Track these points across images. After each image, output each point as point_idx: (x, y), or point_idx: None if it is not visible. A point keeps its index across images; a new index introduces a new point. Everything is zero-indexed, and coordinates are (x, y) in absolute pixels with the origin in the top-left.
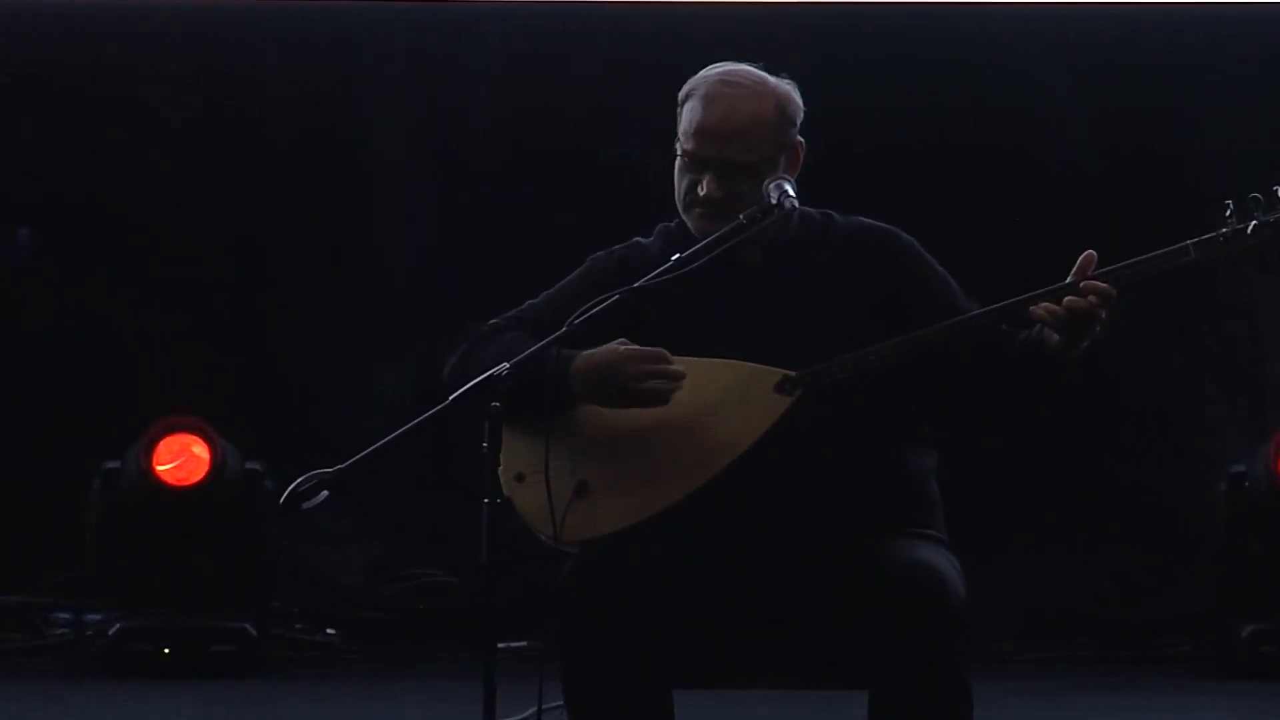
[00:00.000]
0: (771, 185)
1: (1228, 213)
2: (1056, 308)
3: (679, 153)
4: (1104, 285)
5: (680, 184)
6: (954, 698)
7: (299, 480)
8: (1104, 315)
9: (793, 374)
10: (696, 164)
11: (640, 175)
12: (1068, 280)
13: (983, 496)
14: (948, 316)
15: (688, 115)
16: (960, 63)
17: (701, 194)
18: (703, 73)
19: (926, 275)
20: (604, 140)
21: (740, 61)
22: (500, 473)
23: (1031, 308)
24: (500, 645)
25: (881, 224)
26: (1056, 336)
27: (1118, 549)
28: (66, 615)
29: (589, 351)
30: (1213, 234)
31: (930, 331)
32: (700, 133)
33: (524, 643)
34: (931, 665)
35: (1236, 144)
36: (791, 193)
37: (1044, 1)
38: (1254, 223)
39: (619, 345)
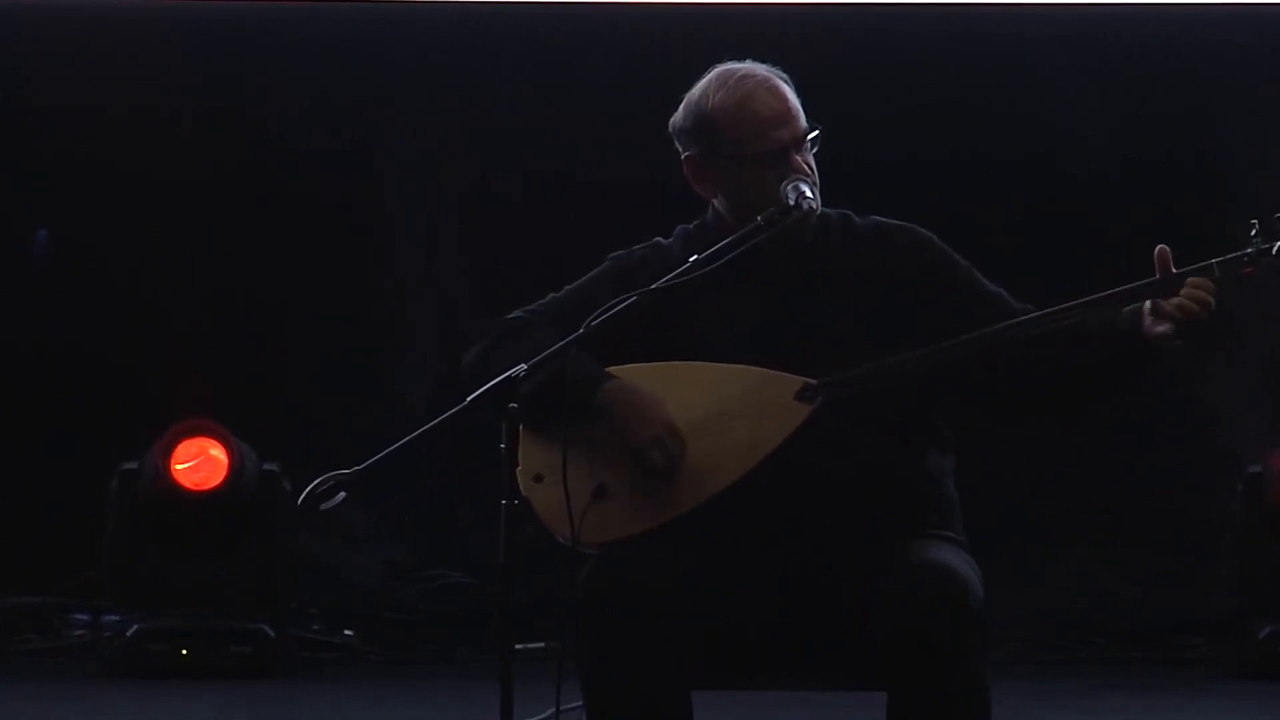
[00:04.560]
0: (789, 186)
1: (1253, 232)
2: (1187, 303)
3: (745, 161)
4: (1207, 281)
5: (751, 189)
6: (972, 699)
7: (316, 482)
8: (1213, 304)
9: (814, 382)
10: (776, 156)
11: (660, 184)
12: (1158, 277)
13: (1000, 498)
14: (974, 310)
15: (738, 123)
16: (975, 70)
17: (807, 171)
18: (708, 90)
19: (950, 270)
20: (623, 147)
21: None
22: (519, 474)
23: (1164, 303)
24: (518, 646)
25: (899, 221)
26: (1165, 327)
27: (1136, 550)
28: (84, 616)
29: (632, 385)
30: (1238, 253)
31: (952, 344)
32: (765, 124)
33: (541, 644)
34: (949, 667)
35: (1271, 155)
36: (809, 194)
37: (1062, 3)
38: (1279, 243)
39: (664, 408)
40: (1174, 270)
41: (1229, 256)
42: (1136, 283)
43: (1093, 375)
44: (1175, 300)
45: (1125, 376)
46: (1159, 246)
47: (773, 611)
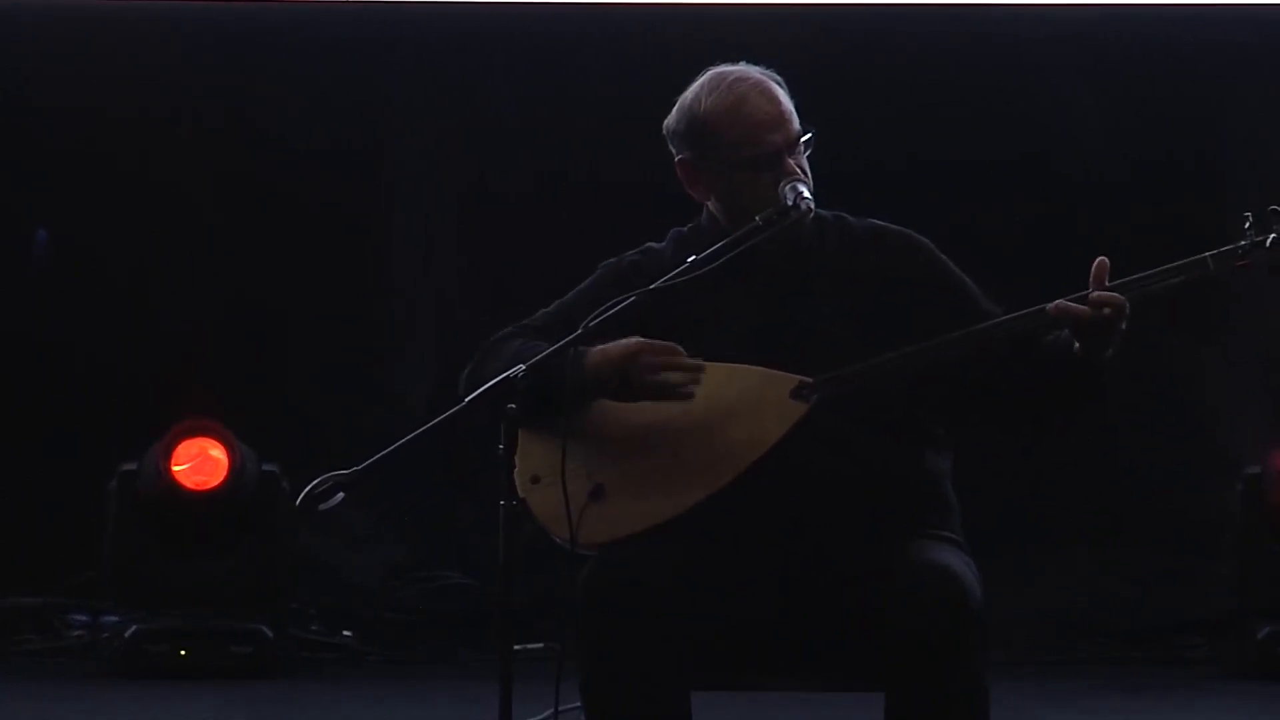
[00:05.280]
0: (787, 187)
1: (1247, 225)
2: (1077, 308)
3: (738, 164)
4: (1116, 296)
5: (744, 192)
6: (971, 700)
7: (315, 482)
8: (1121, 325)
9: (809, 380)
10: (769, 159)
11: (658, 185)
12: (1088, 291)
13: (1000, 498)
14: (967, 317)
15: (732, 126)
16: (974, 71)
17: (801, 174)
18: (700, 94)
19: (945, 276)
20: (621, 147)
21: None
22: (516, 475)
23: (1050, 309)
24: (516, 647)
25: (895, 226)
26: (1077, 343)
27: (1136, 550)
28: (82, 617)
29: (602, 346)
30: (1231, 246)
31: (946, 340)
32: (758, 127)
33: (540, 644)
34: (947, 667)
35: (1271, 155)
36: (807, 194)
37: (1061, 4)
38: (1273, 235)
39: (633, 339)
40: (1106, 282)
41: (1222, 249)
42: (1083, 292)
43: (1055, 385)
44: (1080, 311)
45: (1080, 388)
46: (1098, 259)
47: (772, 611)
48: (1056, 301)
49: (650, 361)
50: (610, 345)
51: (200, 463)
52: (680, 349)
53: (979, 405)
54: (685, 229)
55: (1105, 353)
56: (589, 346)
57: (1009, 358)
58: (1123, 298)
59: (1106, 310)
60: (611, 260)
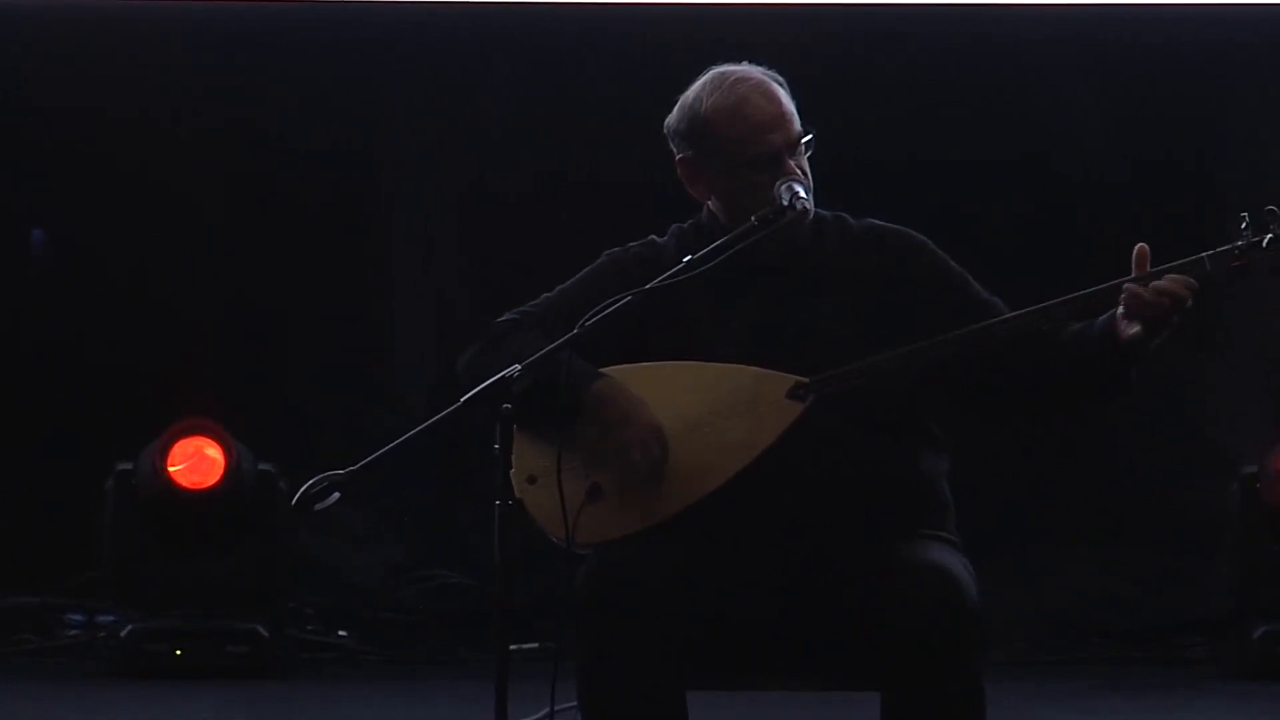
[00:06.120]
0: (783, 187)
1: (1243, 225)
2: (1147, 294)
3: (738, 164)
4: (1185, 278)
5: (744, 192)
6: (969, 700)
7: (310, 482)
8: (1187, 306)
9: (805, 380)
10: (769, 159)
11: (658, 185)
12: (1133, 275)
13: (1000, 498)
14: (969, 315)
15: (732, 125)
16: (974, 70)
17: (800, 175)
18: (702, 93)
19: (946, 274)
20: (620, 147)
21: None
22: (512, 475)
23: (1123, 295)
24: (512, 646)
25: (894, 225)
26: (1137, 328)
27: (1136, 550)
28: (78, 616)
29: (626, 395)
30: (1228, 246)
31: (944, 340)
32: (759, 127)
33: (535, 644)
34: (943, 667)
35: (1270, 156)
36: (803, 194)
37: (1061, 4)
38: (1269, 236)
39: (652, 424)
40: (1150, 268)
41: (1219, 250)
42: (1114, 281)
43: (1078, 377)
44: (1143, 298)
45: (1109, 378)
46: (1139, 245)
47: (770, 611)
48: (1134, 289)
49: (635, 455)
50: (630, 395)
51: (196, 462)
52: (667, 446)
53: (991, 397)
54: (686, 225)
55: (1161, 336)
56: (604, 372)
57: (1042, 349)
58: (1190, 279)
59: (1182, 290)
60: (616, 249)
